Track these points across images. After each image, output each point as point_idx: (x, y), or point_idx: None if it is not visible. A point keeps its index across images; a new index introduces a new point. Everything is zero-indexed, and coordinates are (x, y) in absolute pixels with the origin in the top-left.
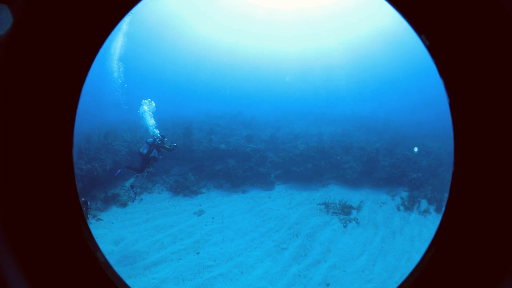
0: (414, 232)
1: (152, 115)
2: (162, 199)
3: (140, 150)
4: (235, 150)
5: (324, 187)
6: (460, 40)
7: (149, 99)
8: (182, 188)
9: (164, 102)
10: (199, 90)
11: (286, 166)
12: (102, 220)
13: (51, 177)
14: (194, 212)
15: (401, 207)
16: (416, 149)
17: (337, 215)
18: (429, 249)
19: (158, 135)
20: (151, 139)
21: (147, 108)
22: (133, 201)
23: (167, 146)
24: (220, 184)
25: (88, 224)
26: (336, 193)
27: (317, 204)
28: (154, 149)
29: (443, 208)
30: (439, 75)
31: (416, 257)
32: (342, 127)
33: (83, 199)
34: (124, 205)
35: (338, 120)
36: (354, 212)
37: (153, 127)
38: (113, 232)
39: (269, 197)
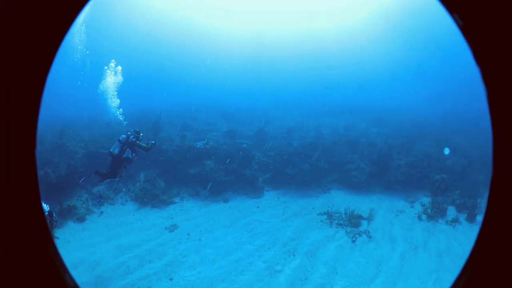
0: (441, 247)
1: (115, 92)
2: (127, 212)
3: (111, 150)
4: (214, 149)
5: (325, 192)
6: (502, 18)
7: (113, 62)
8: (150, 198)
9: (128, 94)
10: (171, 81)
11: (277, 167)
12: (57, 238)
13: (10, 184)
14: (166, 227)
15: (423, 216)
16: (447, 151)
17: (343, 228)
18: (465, 269)
19: (131, 131)
20: (123, 136)
21: (112, 80)
22: (98, 207)
23: (143, 144)
24: (197, 191)
25: (54, 240)
26: (341, 200)
27: (317, 214)
28: (128, 149)
29: (479, 217)
30: (475, 61)
31: (447, 278)
32: (346, 119)
33: (47, 209)
34: (81, 219)
35: (341, 111)
36: (364, 223)
37: (117, 110)
38: (71, 253)
39: (257, 207)
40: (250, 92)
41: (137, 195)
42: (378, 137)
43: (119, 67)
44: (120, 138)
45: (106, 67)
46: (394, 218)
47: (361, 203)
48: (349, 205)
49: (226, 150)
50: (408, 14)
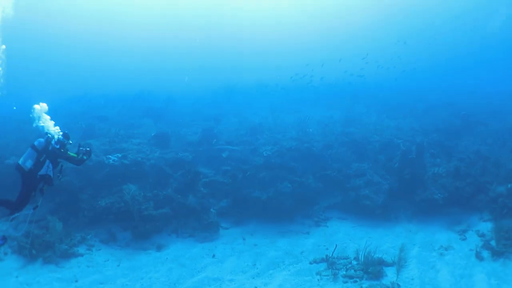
0: None
1: None
2: (6, 272)
3: (19, 163)
4: (136, 164)
5: (319, 226)
6: None
7: None
8: (42, 248)
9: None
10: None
11: (239, 190)
12: None
13: None
14: None
15: (485, 253)
16: None
17: (355, 282)
18: None
19: (54, 134)
20: (40, 139)
21: None
22: None
23: (72, 154)
24: (112, 234)
25: None
26: (346, 236)
27: (310, 263)
28: (47, 160)
29: None
30: None
31: None
32: (344, 108)
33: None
34: None
35: (335, 96)
36: (389, 272)
37: None
38: None
39: (213, 255)
40: (190, 78)
41: (20, 244)
42: (399, 133)
43: (3, 46)
44: (36, 143)
45: None
46: (437, 260)
47: (380, 240)
48: (361, 244)
49: (155, 166)
50: None
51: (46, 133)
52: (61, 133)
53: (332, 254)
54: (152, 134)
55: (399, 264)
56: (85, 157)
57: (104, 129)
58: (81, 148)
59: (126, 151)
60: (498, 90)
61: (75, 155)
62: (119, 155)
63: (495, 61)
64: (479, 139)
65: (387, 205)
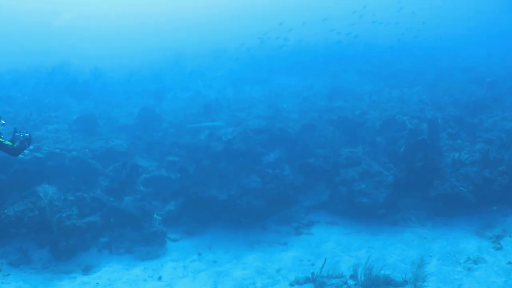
0: None
1: None
2: None
3: None
4: (54, 158)
5: (300, 234)
6: None
7: None
8: None
9: None
10: None
11: (190, 187)
12: None
13: None
14: None
15: None
16: None
17: None
18: None
19: None
20: None
21: None
22: None
23: (6, 142)
24: (25, 253)
25: None
26: (338, 246)
27: (290, 285)
28: None
29: None
30: None
31: None
32: (330, 76)
33: None
34: None
35: (315, 63)
36: None
37: None
38: None
39: (158, 278)
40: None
41: None
42: (404, 107)
43: None
44: None
45: None
46: (464, 278)
47: (384, 250)
48: (359, 257)
49: (79, 160)
50: None
51: None
52: None
53: (321, 272)
54: (74, 118)
55: (415, 284)
56: (26, 145)
57: (10, 113)
58: (17, 134)
59: (40, 141)
60: None
61: (9, 143)
62: (31, 147)
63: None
64: (508, 113)
65: (392, 204)
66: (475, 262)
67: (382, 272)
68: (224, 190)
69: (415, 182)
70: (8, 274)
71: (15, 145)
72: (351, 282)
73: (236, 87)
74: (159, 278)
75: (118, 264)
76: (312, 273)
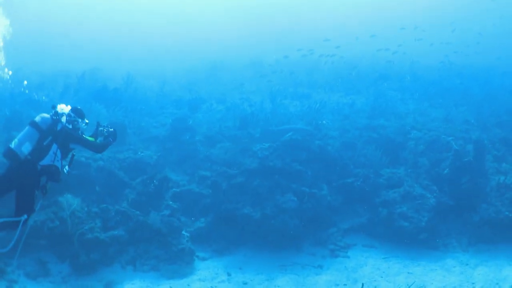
0: None
1: None
2: None
3: (12, 147)
4: (79, 167)
5: (336, 257)
6: None
7: None
8: None
9: None
10: None
11: (222, 204)
12: None
13: None
14: None
15: None
16: None
17: None
18: None
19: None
20: (44, 116)
21: None
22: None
23: (88, 138)
24: (44, 265)
25: None
26: (376, 271)
27: None
28: (54, 144)
29: None
30: None
31: None
32: (372, 94)
33: None
34: None
35: (357, 79)
36: None
37: None
38: None
39: None
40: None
41: None
42: (449, 127)
43: None
44: (38, 119)
45: None
46: None
47: (424, 277)
48: (397, 283)
49: (105, 170)
50: None
51: (53, 107)
52: (68, 107)
53: None
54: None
55: None
56: (111, 140)
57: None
58: (100, 129)
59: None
60: None
61: (91, 138)
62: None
63: None
64: None
65: (434, 228)
66: None
67: None
68: (258, 208)
69: (458, 206)
70: (25, 287)
71: (97, 140)
72: None
73: (274, 101)
74: None
75: (142, 281)
76: None
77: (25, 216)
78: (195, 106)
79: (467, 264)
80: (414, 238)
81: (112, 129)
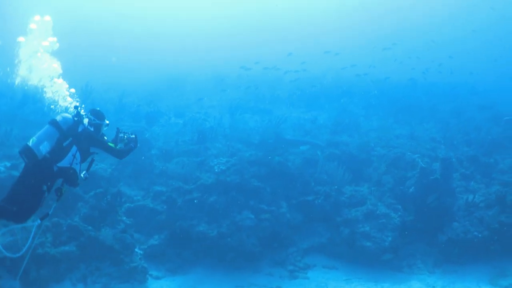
0: None
1: None
2: None
3: (30, 145)
4: None
5: (295, 277)
6: None
7: None
8: None
9: None
10: None
11: (177, 221)
12: None
13: None
14: None
15: None
16: None
17: None
18: None
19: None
20: (65, 116)
21: None
22: None
23: (109, 144)
24: None
25: None
26: None
27: None
28: (74, 146)
29: None
30: None
31: None
32: (334, 109)
33: None
34: None
35: (319, 95)
36: None
37: None
38: None
39: None
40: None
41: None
42: (414, 145)
43: None
44: (60, 118)
45: None
46: None
47: None
48: None
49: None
50: None
51: (76, 108)
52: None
53: None
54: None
55: None
56: (132, 146)
57: None
58: (121, 135)
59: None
60: None
61: (112, 144)
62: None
63: None
64: None
65: (398, 248)
66: None
67: None
68: (214, 225)
69: (424, 225)
70: None
71: (117, 147)
72: None
73: (234, 115)
74: None
75: None
76: None
77: (39, 221)
78: (153, 119)
79: (433, 287)
80: (377, 258)
81: (133, 136)
